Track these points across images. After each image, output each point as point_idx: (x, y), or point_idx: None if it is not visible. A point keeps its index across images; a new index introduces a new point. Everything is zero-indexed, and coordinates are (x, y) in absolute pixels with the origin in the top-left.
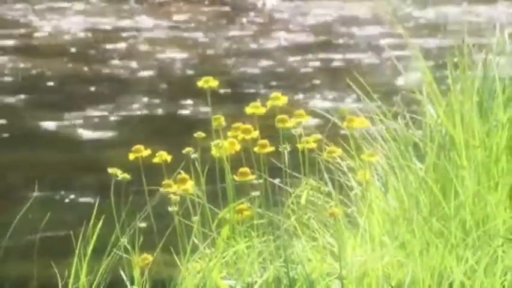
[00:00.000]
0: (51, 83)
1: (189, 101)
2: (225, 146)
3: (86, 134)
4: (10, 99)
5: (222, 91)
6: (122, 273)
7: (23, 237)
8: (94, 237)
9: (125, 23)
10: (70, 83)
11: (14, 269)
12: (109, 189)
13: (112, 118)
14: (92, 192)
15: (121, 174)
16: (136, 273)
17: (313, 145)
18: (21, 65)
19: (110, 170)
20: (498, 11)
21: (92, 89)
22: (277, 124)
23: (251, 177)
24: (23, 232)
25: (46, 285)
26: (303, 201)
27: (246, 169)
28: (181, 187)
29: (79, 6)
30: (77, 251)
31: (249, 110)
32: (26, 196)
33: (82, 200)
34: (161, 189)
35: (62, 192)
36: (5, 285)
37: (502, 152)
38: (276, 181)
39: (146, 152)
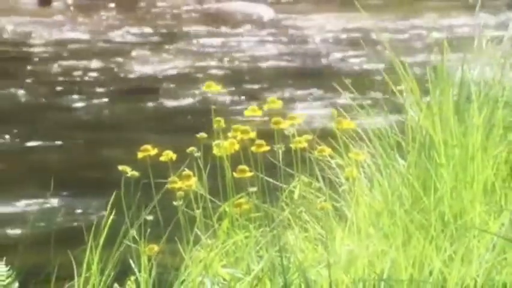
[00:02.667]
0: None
1: (192, 103)
2: (225, 146)
3: (96, 132)
4: (24, 99)
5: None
6: (131, 261)
7: (41, 228)
8: (106, 229)
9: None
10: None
11: (32, 257)
12: (119, 185)
13: (122, 119)
14: (103, 187)
15: (130, 172)
16: (144, 262)
17: (305, 144)
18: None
19: (120, 168)
20: (478, 20)
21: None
22: (273, 125)
23: (249, 174)
24: (41, 224)
25: (61, 272)
26: (296, 195)
27: (244, 167)
28: (185, 183)
29: None
30: (90, 241)
31: (247, 112)
32: (43, 191)
33: (95, 194)
34: (167, 185)
35: (77, 188)
36: (24, 271)
37: (477, 151)
38: (272, 177)
39: (153, 151)
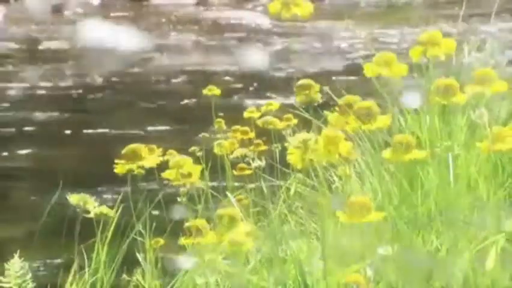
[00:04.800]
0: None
1: (195, 105)
2: (225, 145)
3: (107, 131)
4: (39, 100)
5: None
6: (137, 254)
7: (52, 222)
8: (114, 223)
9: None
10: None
11: (45, 249)
12: (126, 182)
13: (131, 120)
14: (112, 184)
15: (136, 169)
16: (149, 254)
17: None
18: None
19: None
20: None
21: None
22: (270, 126)
23: (248, 171)
24: (53, 217)
25: (72, 263)
26: (292, 192)
27: (243, 165)
28: (188, 180)
29: None
30: (98, 234)
31: (246, 114)
32: (54, 187)
33: (104, 190)
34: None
35: (86, 184)
36: (36, 263)
37: (461, 150)
38: (269, 175)
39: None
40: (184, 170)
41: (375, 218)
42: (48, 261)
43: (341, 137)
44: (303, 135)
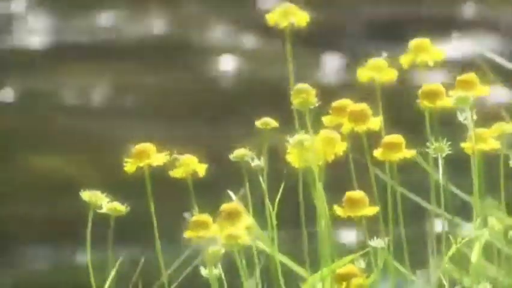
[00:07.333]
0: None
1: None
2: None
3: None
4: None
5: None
6: None
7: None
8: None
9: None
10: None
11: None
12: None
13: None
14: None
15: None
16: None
17: None
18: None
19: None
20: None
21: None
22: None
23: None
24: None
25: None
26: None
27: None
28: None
29: None
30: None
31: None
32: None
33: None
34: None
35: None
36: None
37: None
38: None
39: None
40: (189, 168)
41: (370, 212)
42: (70, 254)
43: (338, 137)
44: (300, 135)
